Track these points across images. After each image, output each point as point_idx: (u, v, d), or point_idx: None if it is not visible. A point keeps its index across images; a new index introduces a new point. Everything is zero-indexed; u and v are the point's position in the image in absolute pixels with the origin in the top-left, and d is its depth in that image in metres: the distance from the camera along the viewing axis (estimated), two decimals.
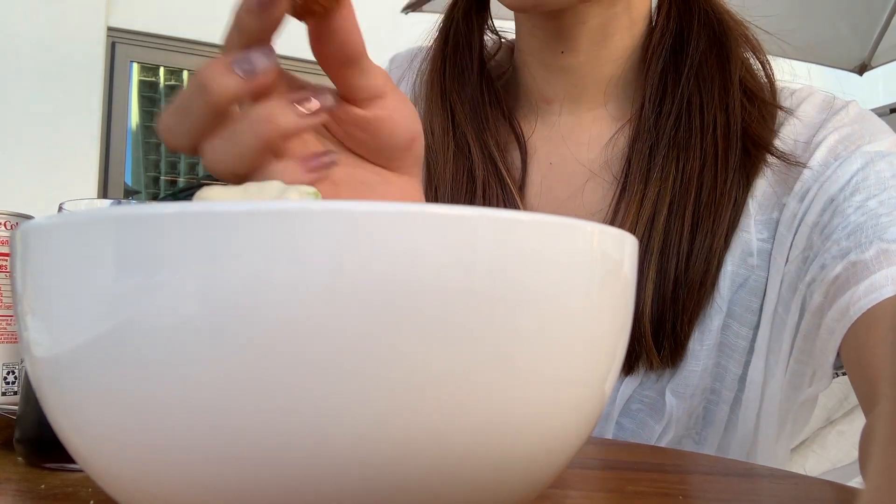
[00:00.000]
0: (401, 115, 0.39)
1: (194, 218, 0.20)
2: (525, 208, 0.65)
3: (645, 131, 0.63)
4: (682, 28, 0.64)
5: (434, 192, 0.67)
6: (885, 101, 3.25)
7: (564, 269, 0.22)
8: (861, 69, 2.57)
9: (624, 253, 0.25)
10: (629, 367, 0.60)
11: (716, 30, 0.64)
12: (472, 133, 0.67)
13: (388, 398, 0.20)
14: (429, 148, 0.68)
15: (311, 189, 0.27)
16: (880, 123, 0.61)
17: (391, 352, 0.20)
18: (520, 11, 0.63)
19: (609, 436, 0.62)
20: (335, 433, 0.20)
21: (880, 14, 2.42)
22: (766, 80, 0.64)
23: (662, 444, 0.61)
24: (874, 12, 2.43)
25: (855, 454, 0.49)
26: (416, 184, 0.42)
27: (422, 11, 2.29)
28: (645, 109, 0.64)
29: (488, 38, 0.72)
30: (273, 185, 0.27)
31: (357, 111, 0.37)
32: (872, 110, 0.64)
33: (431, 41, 0.72)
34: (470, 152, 0.66)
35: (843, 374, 0.56)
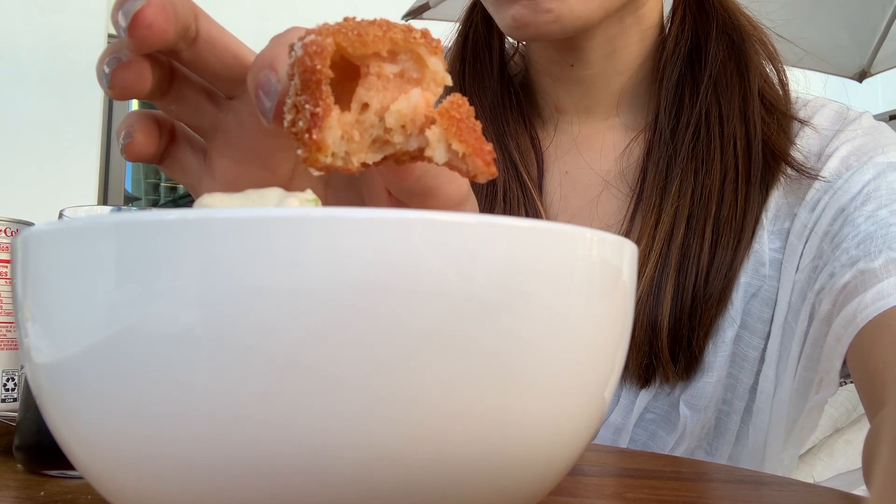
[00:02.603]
0: (448, 181, 0.34)
1: (195, 224, 0.20)
2: (544, 217, 0.65)
3: (662, 143, 0.63)
4: (699, 35, 0.64)
5: None
6: (884, 108, 3.25)
7: (563, 275, 0.22)
8: (861, 76, 2.57)
9: (623, 260, 0.25)
10: (645, 380, 0.60)
11: (734, 37, 0.63)
12: (491, 136, 0.67)
13: (387, 405, 0.20)
14: None
15: (312, 196, 0.27)
16: (893, 135, 0.61)
17: (390, 359, 0.20)
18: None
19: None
20: (334, 441, 0.20)
21: (879, 22, 2.43)
22: (780, 89, 0.64)
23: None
24: (873, 20, 2.44)
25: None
26: None
27: (422, 19, 2.29)
28: (660, 120, 0.63)
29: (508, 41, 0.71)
30: (273, 192, 0.27)
31: (408, 183, 0.33)
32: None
33: (451, 43, 0.71)
34: None
35: (850, 381, 0.56)
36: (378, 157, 0.27)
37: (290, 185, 0.37)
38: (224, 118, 0.35)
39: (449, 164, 0.26)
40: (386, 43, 0.25)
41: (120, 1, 0.30)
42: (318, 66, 0.24)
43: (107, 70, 0.31)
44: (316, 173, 0.26)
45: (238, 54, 0.33)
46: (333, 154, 0.25)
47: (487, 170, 0.26)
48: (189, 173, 0.37)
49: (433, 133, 0.26)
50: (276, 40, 0.30)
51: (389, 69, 0.26)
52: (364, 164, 0.26)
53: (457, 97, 0.26)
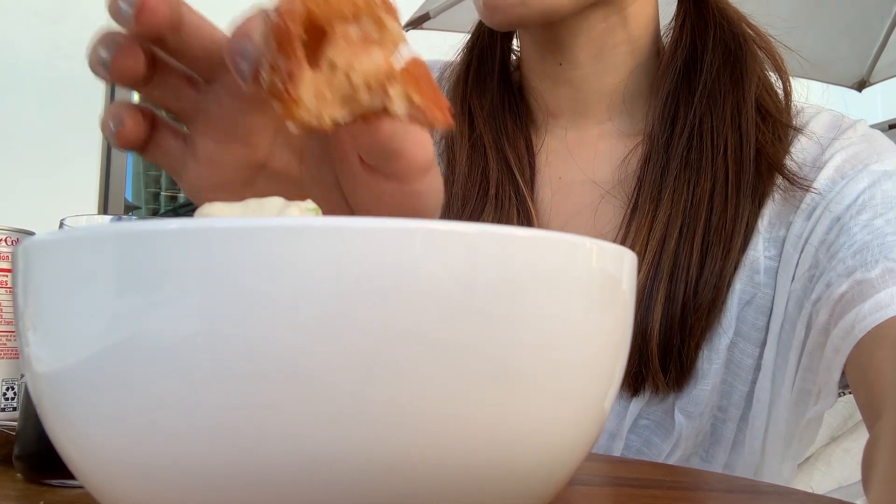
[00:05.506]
0: (415, 143, 0.35)
1: (195, 234, 0.20)
2: (536, 219, 0.65)
3: (656, 151, 0.63)
4: (696, 44, 0.64)
5: (448, 189, 0.67)
6: (883, 117, 3.25)
7: (563, 285, 0.22)
8: (860, 86, 2.58)
9: (622, 269, 0.25)
10: (635, 389, 0.60)
11: (731, 46, 0.63)
12: (489, 137, 0.68)
13: (385, 415, 0.20)
14: (447, 145, 0.70)
15: (313, 205, 0.28)
16: (888, 143, 0.61)
17: (390, 369, 0.20)
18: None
19: (617, 454, 0.62)
20: (334, 449, 0.20)
21: (879, 31, 2.44)
22: (782, 98, 0.64)
23: (671, 463, 0.61)
24: (873, 29, 2.44)
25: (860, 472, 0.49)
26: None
27: (422, 28, 2.30)
28: (654, 128, 0.64)
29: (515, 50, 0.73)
30: (274, 202, 0.28)
31: (379, 143, 0.34)
32: (870, 126, 0.64)
33: (461, 53, 0.73)
34: (485, 153, 0.67)
35: (848, 392, 0.56)
36: (347, 117, 0.29)
37: (267, 160, 0.39)
38: (204, 101, 0.37)
39: (410, 117, 0.29)
40: (349, 5, 0.28)
41: None
42: (291, 28, 0.27)
43: (105, 55, 0.33)
44: (295, 130, 0.28)
45: (217, 39, 0.35)
46: (308, 110, 0.28)
47: (444, 118, 0.29)
48: (171, 156, 0.39)
49: (394, 88, 0.29)
50: (245, 18, 0.32)
51: (353, 31, 0.29)
52: (335, 123, 0.29)
53: (415, 58, 0.29)
